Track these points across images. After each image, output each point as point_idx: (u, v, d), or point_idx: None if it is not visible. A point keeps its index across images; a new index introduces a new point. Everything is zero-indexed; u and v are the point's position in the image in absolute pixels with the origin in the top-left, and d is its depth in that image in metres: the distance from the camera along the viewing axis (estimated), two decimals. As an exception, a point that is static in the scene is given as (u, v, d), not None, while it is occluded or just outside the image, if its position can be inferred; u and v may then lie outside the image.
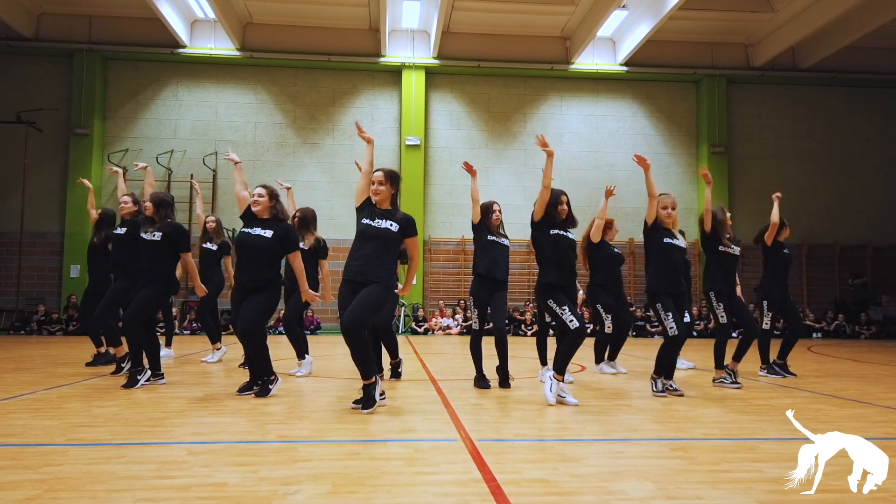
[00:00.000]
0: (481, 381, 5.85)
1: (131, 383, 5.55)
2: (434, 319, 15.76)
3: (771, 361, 7.03)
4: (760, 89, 17.99)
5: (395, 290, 4.85)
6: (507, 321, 6.38)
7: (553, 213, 5.17)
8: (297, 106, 16.98)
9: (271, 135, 16.83)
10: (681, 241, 5.59)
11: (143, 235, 5.80)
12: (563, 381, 5.02)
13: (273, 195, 5.49)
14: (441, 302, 16.18)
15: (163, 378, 5.88)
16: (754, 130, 17.96)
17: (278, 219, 5.45)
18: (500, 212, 6.12)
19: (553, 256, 5.10)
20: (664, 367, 5.50)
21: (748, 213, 17.38)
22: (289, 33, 16.51)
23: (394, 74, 17.08)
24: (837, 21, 15.07)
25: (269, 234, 5.28)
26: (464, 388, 5.84)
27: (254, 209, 5.39)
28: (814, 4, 14.91)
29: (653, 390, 5.50)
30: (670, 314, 5.33)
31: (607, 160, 17.42)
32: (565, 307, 4.97)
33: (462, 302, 15.76)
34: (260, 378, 5.29)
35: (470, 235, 6.32)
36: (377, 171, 4.81)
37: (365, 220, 4.74)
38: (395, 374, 6.41)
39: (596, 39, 16.51)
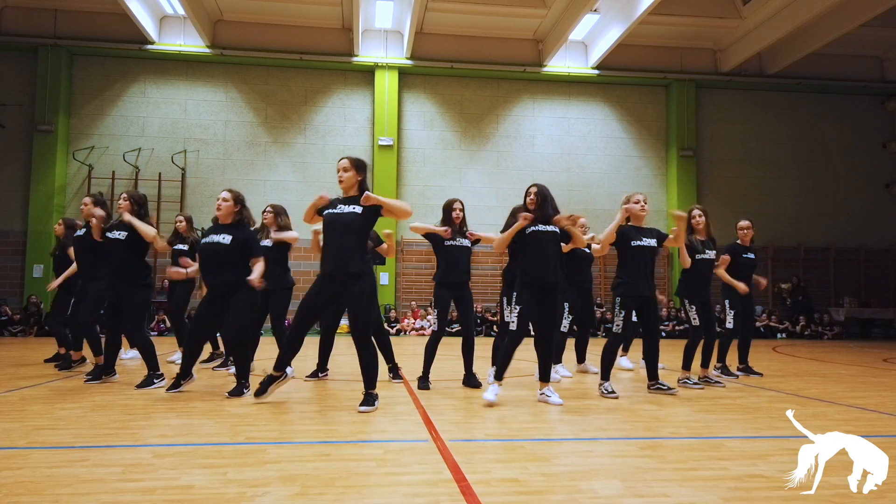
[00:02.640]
0: (423, 382, 5.87)
1: (146, 384, 5.59)
2: (406, 320, 15.74)
3: (725, 365, 7.08)
4: (728, 94, 18.32)
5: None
6: (477, 322, 6.40)
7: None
8: (268, 105, 16.81)
9: (242, 133, 16.63)
10: (650, 241, 5.64)
11: (108, 234, 5.82)
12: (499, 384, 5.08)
13: (238, 200, 5.42)
14: (413, 303, 16.16)
15: (115, 374, 5.99)
16: (722, 134, 18.27)
17: (242, 224, 5.40)
18: (461, 210, 6.12)
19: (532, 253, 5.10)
20: (604, 367, 5.61)
21: (716, 216, 17.58)
22: (260, 31, 16.34)
23: (367, 74, 17.01)
24: (803, 28, 15.42)
25: (227, 239, 5.25)
26: (435, 388, 5.85)
27: (217, 213, 5.34)
28: (780, 12, 15.23)
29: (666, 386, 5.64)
30: (622, 314, 5.55)
31: (579, 162, 17.57)
32: (517, 307, 5.04)
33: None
34: (186, 375, 5.39)
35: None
36: (342, 158, 4.81)
37: (328, 210, 4.72)
38: (397, 375, 6.32)
39: (568, 43, 16.64)
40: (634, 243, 5.56)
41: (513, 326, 5.05)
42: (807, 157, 18.52)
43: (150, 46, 15.84)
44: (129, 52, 15.96)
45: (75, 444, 3.47)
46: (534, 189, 5.25)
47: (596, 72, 17.23)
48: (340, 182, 4.75)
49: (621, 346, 7.81)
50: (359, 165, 4.78)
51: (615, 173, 17.62)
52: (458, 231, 6.08)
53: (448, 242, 5.97)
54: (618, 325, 5.57)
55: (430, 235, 6.03)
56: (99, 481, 2.78)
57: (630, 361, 7.84)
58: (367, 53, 16.71)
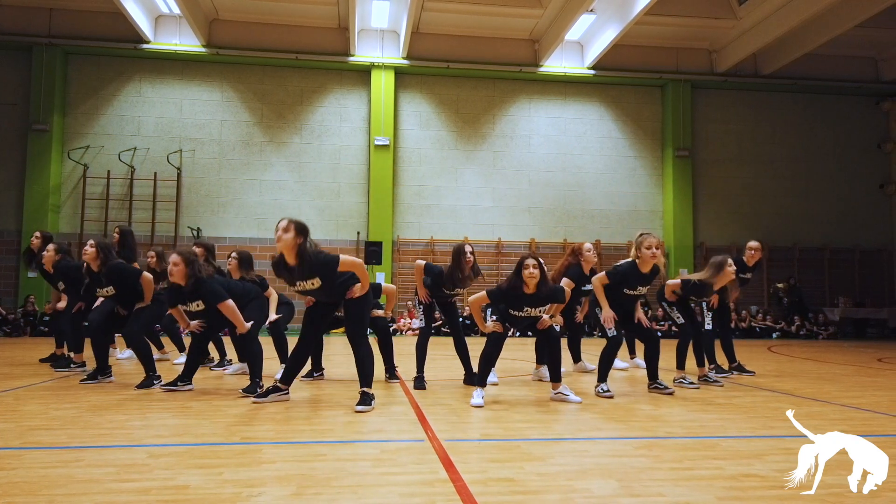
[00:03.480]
0: (419, 382, 5.87)
1: (146, 385, 5.63)
2: (402, 320, 15.74)
3: (718, 364, 7.07)
4: (724, 94, 18.36)
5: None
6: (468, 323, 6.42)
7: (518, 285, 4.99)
8: (264, 104, 16.79)
9: (237, 133, 16.60)
10: (642, 289, 5.61)
11: (98, 294, 6.11)
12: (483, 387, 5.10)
13: (188, 261, 5.28)
14: (410, 303, 16.14)
15: (111, 376, 6.02)
16: (717, 134, 18.32)
17: (198, 279, 5.29)
18: (472, 254, 5.92)
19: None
20: (602, 370, 5.61)
21: (711, 216, 17.78)
22: (256, 30, 16.31)
23: (363, 74, 17.00)
24: (798, 29, 15.47)
25: (200, 305, 5.36)
26: (431, 388, 5.85)
27: (171, 279, 5.32)
28: (775, 13, 15.27)
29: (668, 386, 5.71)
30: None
31: (575, 162, 17.58)
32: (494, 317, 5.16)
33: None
34: (185, 379, 5.54)
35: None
36: (282, 219, 4.55)
37: (296, 290, 4.73)
38: (393, 376, 6.32)
39: (564, 43, 16.67)
40: (627, 291, 5.55)
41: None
42: (802, 157, 18.58)
43: (145, 46, 15.81)
44: (125, 51, 15.92)
45: (70, 445, 3.46)
46: (532, 262, 4.93)
47: (592, 72, 17.26)
48: (278, 241, 4.50)
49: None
50: (300, 229, 4.51)
51: (611, 173, 17.64)
52: (468, 277, 5.97)
53: (445, 292, 6.02)
54: (611, 329, 5.54)
55: (429, 273, 6.07)
56: (94, 482, 2.77)
57: (623, 361, 7.84)
58: (363, 53, 16.70)
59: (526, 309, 5.01)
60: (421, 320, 6.04)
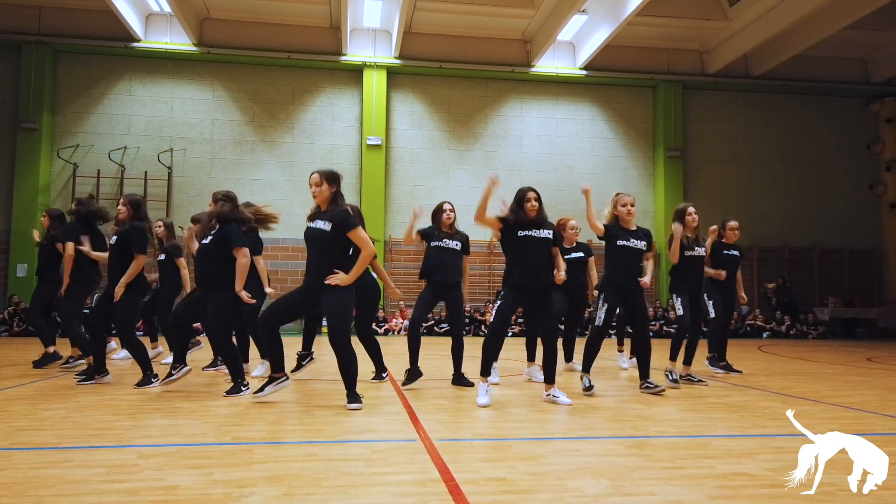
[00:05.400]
0: (412, 376, 5.87)
1: (144, 383, 5.59)
2: (394, 320, 15.72)
3: (705, 361, 7.17)
4: (715, 95, 18.43)
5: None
6: (467, 322, 6.38)
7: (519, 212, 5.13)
8: (255, 103, 16.72)
9: (229, 132, 16.53)
10: (637, 243, 5.64)
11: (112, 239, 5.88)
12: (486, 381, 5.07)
13: (226, 198, 5.52)
14: (402, 303, 16.13)
15: (107, 375, 5.91)
16: (709, 135, 18.39)
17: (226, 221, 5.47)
18: (451, 211, 6.13)
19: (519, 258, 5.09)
20: (585, 358, 5.63)
21: (703, 217, 17.74)
22: (247, 29, 16.25)
23: (355, 73, 16.97)
24: (788, 30, 15.55)
25: (208, 238, 5.39)
26: (424, 388, 5.84)
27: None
28: (766, 14, 15.35)
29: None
30: (605, 306, 5.59)
31: (566, 162, 17.62)
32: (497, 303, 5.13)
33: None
34: (181, 359, 5.47)
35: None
36: (314, 173, 4.77)
37: (308, 224, 4.74)
38: (379, 376, 6.26)
39: (556, 43, 16.69)
40: (620, 243, 5.59)
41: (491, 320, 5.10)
42: (792, 158, 18.68)
43: (135, 44, 15.71)
44: (115, 49, 15.82)
45: (59, 445, 3.43)
46: (534, 195, 5.17)
47: (584, 72, 17.29)
48: (315, 197, 4.71)
49: (618, 344, 7.93)
50: (330, 179, 4.72)
51: (603, 174, 17.68)
52: (450, 234, 6.05)
53: (434, 243, 5.98)
54: (599, 318, 5.60)
55: (422, 235, 6.11)
56: (83, 482, 2.76)
57: (626, 361, 7.85)
58: (355, 52, 16.67)
59: (533, 230, 5.09)
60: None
